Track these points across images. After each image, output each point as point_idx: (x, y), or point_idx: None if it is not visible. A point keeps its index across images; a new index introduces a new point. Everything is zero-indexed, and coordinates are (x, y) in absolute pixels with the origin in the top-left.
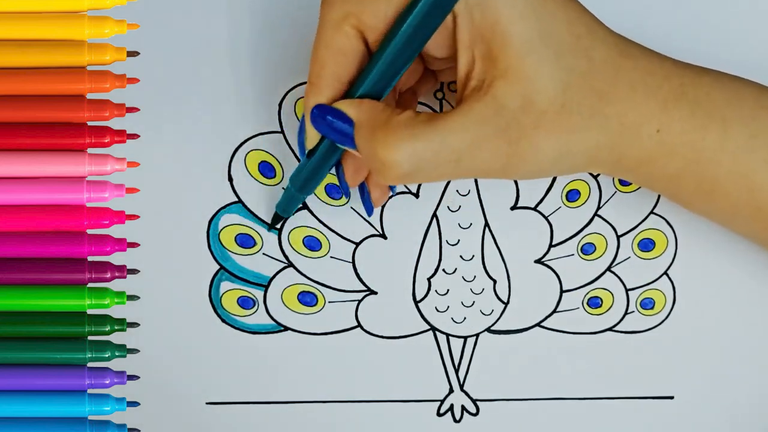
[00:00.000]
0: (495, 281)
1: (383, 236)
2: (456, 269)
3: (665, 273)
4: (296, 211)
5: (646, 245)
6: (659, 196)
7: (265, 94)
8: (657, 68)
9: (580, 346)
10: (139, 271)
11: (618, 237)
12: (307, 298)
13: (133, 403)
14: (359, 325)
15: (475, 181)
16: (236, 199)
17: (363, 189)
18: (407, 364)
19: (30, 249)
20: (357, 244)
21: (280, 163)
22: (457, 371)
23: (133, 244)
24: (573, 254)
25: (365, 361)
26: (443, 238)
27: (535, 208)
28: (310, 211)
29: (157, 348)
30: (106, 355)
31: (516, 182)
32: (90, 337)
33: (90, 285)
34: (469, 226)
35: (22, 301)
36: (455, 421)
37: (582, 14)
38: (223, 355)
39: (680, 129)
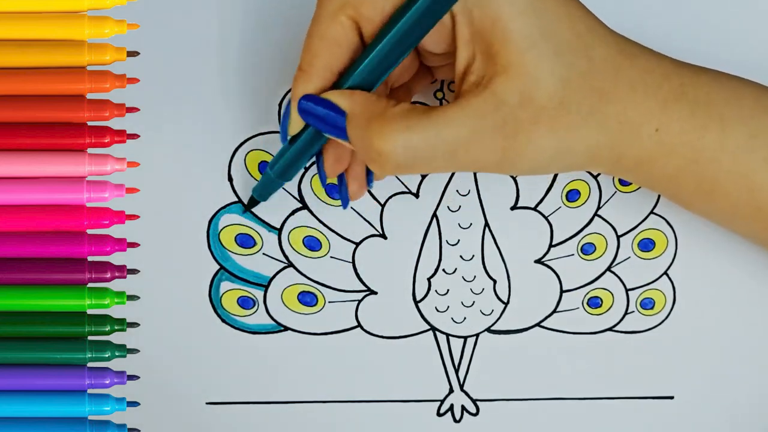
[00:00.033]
0: (495, 281)
1: (383, 236)
2: (456, 269)
3: (665, 273)
4: (296, 211)
5: (646, 245)
6: (659, 196)
7: (265, 94)
8: (656, 68)
9: (580, 346)
10: (139, 271)
11: (618, 237)
12: (307, 298)
13: (133, 403)
14: (359, 325)
15: (475, 181)
16: (236, 199)
17: (341, 181)
18: (407, 364)
19: (30, 249)
20: (357, 244)
21: None
22: (457, 371)
23: (133, 244)
24: (573, 254)
25: (365, 361)
26: (443, 238)
27: (535, 208)
28: (310, 211)
29: (157, 348)
30: (106, 355)
31: (516, 182)
32: (90, 337)
33: (90, 285)
34: (469, 226)
35: (22, 301)
36: (455, 421)
37: (582, 13)
38: (223, 355)
39: (679, 128)
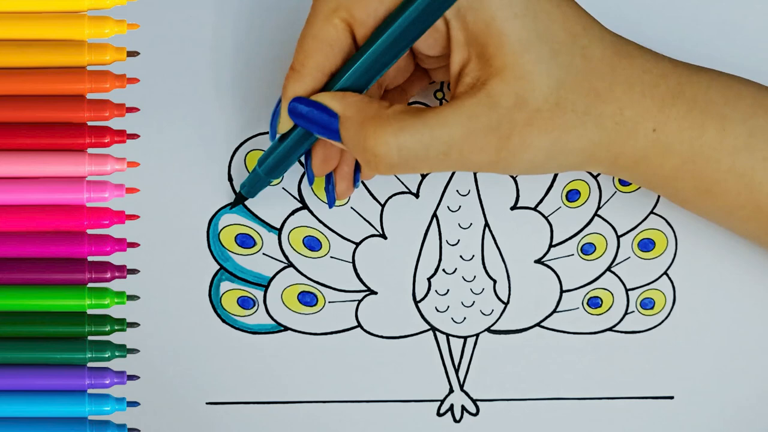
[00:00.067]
0: (495, 281)
1: (383, 236)
2: (456, 269)
3: (665, 273)
4: (296, 211)
5: (646, 245)
6: (659, 196)
7: (265, 94)
8: (654, 67)
9: (580, 346)
10: (139, 271)
11: (618, 237)
12: (307, 298)
13: (133, 403)
14: (359, 325)
15: (475, 181)
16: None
17: (329, 180)
18: (407, 364)
19: (30, 249)
20: (357, 244)
21: None
22: (457, 371)
23: (133, 244)
24: (573, 254)
25: (365, 361)
26: (443, 238)
27: (535, 208)
28: (310, 211)
29: (157, 348)
30: (106, 355)
31: (516, 182)
32: (90, 337)
33: (90, 285)
34: (469, 226)
35: (22, 301)
36: (455, 421)
37: (578, 13)
38: (223, 355)
39: (677, 128)
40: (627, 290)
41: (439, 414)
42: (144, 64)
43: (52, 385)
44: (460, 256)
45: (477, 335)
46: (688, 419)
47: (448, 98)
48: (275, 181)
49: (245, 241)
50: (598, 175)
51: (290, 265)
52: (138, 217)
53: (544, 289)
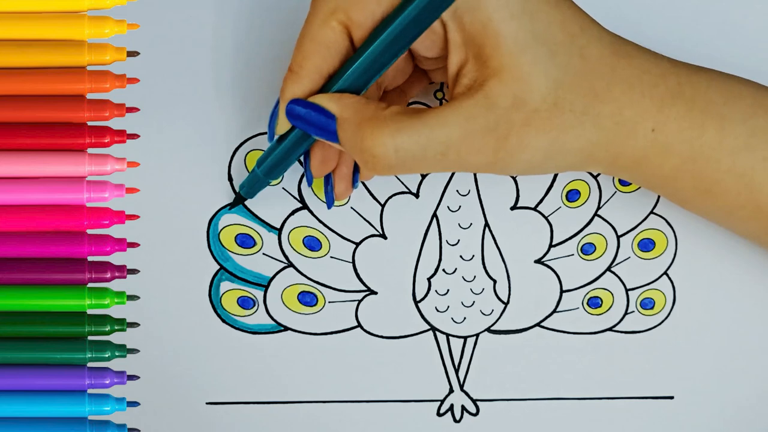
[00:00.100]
0: (495, 281)
1: (383, 236)
2: (456, 269)
3: (665, 273)
4: (296, 211)
5: (646, 245)
6: (659, 197)
7: (265, 94)
8: (653, 67)
9: (580, 346)
10: (139, 271)
11: (618, 237)
12: (307, 298)
13: (133, 403)
14: (359, 325)
15: (475, 181)
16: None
17: (328, 181)
18: (407, 364)
19: (30, 249)
20: (357, 244)
21: None
22: (457, 371)
23: (133, 244)
24: (573, 254)
25: (365, 361)
26: (443, 238)
27: (535, 208)
28: (310, 211)
29: (157, 348)
30: (106, 355)
31: (516, 182)
32: (90, 337)
33: (90, 285)
34: (469, 226)
35: (22, 301)
36: (455, 421)
37: (576, 13)
38: (223, 355)
39: (676, 127)
40: (627, 290)
41: (439, 414)
42: (144, 64)
43: (52, 385)
44: (460, 256)
45: (477, 335)
46: (688, 419)
47: (448, 99)
48: (274, 182)
49: (245, 241)
50: (598, 175)
51: (290, 265)
52: (138, 217)
53: (544, 289)
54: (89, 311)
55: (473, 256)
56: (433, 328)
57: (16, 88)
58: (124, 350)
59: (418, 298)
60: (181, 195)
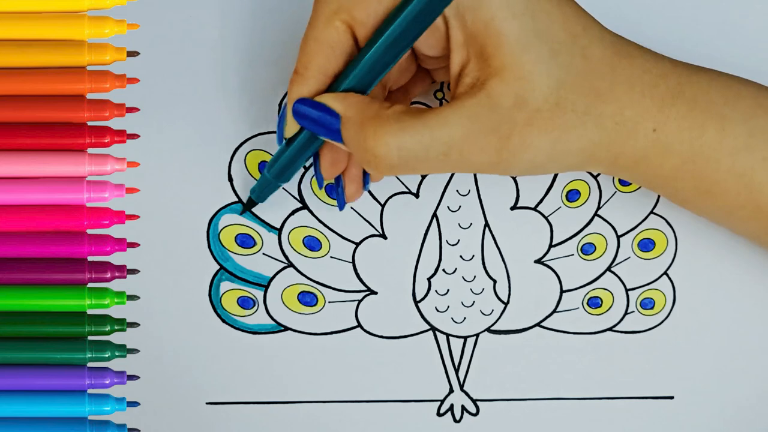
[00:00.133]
0: (495, 281)
1: (383, 236)
2: (456, 269)
3: (665, 273)
4: (296, 211)
5: (646, 245)
6: (659, 196)
7: (265, 95)
8: (653, 67)
9: (580, 346)
10: (139, 271)
11: (618, 237)
12: (307, 298)
13: (133, 403)
14: (359, 325)
15: (475, 181)
16: (236, 199)
17: (338, 183)
18: (407, 364)
19: (30, 249)
20: (357, 244)
21: None
22: (457, 371)
23: (133, 244)
24: (573, 254)
25: (365, 361)
26: (443, 238)
27: (535, 208)
28: (310, 211)
29: (157, 348)
30: (106, 355)
31: (516, 182)
32: (90, 337)
33: (90, 285)
34: (469, 226)
35: (22, 301)
36: (455, 421)
37: (578, 13)
38: (223, 355)
39: (677, 128)
40: (627, 290)
41: (439, 414)
42: (144, 64)
43: (52, 385)
44: (460, 256)
45: (477, 335)
46: (688, 419)
47: (448, 98)
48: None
49: (245, 241)
50: (598, 175)
51: (290, 265)
52: (138, 217)
53: (544, 289)
54: (89, 311)
55: (473, 256)
56: (433, 328)
57: (16, 88)
58: (124, 350)
59: (418, 298)
60: (181, 195)
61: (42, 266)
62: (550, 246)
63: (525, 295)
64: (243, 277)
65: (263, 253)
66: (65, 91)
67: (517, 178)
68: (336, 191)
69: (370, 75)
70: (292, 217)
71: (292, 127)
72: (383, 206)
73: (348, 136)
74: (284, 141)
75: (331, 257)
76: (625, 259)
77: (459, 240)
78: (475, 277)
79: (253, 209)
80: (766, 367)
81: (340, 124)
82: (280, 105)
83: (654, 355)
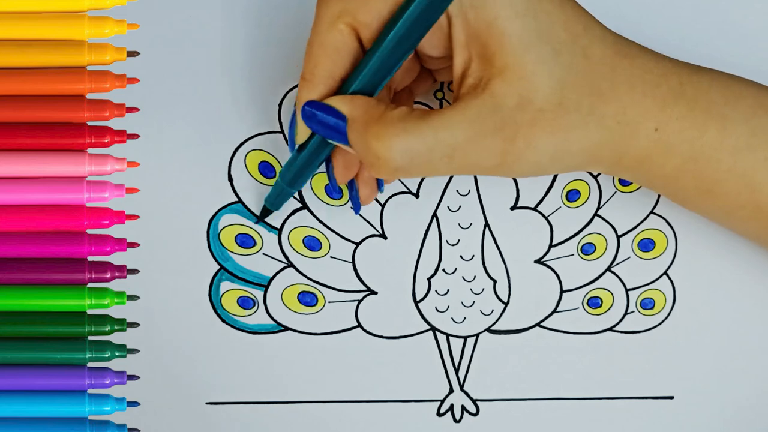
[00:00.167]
0: (495, 281)
1: (383, 236)
2: (456, 269)
3: (665, 273)
4: (296, 211)
5: (646, 245)
6: (659, 196)
7: (265, 94)
8: (655, 67)
9: (580, 346)
10: (139, 271)
11: (618, 237)
12: (307, 298)
13: (133, 403)
14: (359, 325)
15: (475, 181)
16: (236, 199)
17: (352, 186)
18: (407, 364)
19: (30, 249)
20: (357, 244)
21: (280, 163)
22: (457, 371)
23: (133, 244)
24: (573, 254)
25: (365, 361)
26: (443, 238)
27: (535, 208)
28: (310, 211)
29: (157, 348)
30: (106, 355)
31: (516, 182)
32: (90, 337)
33: (90, 285)
34: (469, 226)
35: (22, 301)
36: (455, 421)
37: (579, 13)
38: (223, 355)
39: (679, 127)
40: (627, 290)
41: (439, 414)
42: (144, 64)
43: (52, 385)
44: (460, 256)
45: (477, 335)
46: (688, 419)
47: (448, 98)
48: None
49: (245, 241)
50: (598, 175)
51: (290, 265)
52: (138, 217)
53: (544, 289)
54: (89, 311)
55: (473, 256)
56: (433, 328)
57: (16, 88)
58: (124, 350)
59: (418, 298)
60: (181, 195)
61: (42, 266)
62: (550, 246)
63: (525, 295)
64: (243, 277)
65: (263, 253)
66: (65, 91)
67: (517, 178)
68: (350, 195)
69: (377, 76)
70: (292, 217)
71: (303, 134)
72: (383, 206)
73: (353, 138)
74: (296, 148)
75: (331, 257)
76: (625, 259)
77: (459, 240)
78: (475, 277)
79: (253, 209)
80: (766, 367)
81: (346, 126)
82: (280, 105)
83: (654, 355)
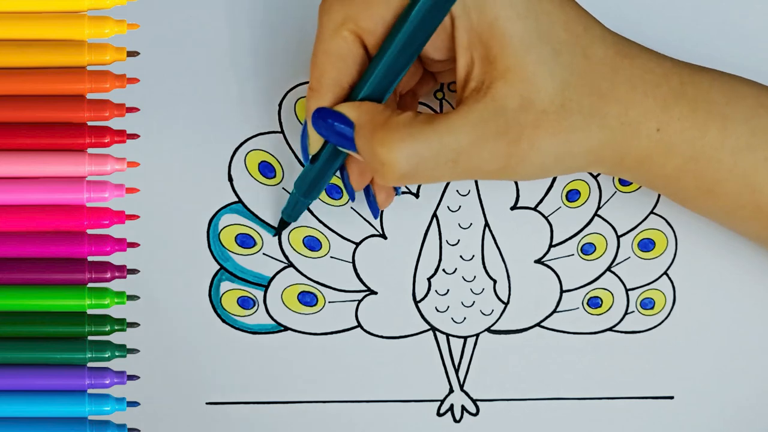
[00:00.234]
0: (495, 281)
1: (383, 236)
2: (456, 269)
3: (665, 273)
4: None
5: (646, 245)
6: (659, 196)
7: (265, 94)
8: (656, 67)
9: (580, 346)
10: (139, 271)
11: (618, 237)
12: (307, 298)
13: (133, 403)
14: (359, 325)
15: (475, 180)
16: (236, 199)
17: (368, 192)
18: (407, 364)
19: (30, 249)
20: (357, 244)
21: (280, 163)
22: (457, 371)
23: (133, 244)
24: (573, 254)
25: (365, 361)
26: (443, 238)
27: (535, 208)
28: (310, 211)
29: (157, 348)
30: (106, 355)
31: (516, 182)
32: (90, 337)
33: (90, 285)
34: (469, 226)
35: (22, 301)
36: (455, 421)
37: (579, 13)
38: (223, 355)
39: (680, 127)
40: (627, 290)
41: (439, 414)
42: (144, 64)
43: (52, 385)
44: (460, 256)
45: (477, 335)
46: (688, 419)
47: (448, 98)
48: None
49: (245, 241)
50: (598, 175)
51: (290, 265)
52: (138, 217)
53: (544, 289)
54: (89, 311)
55: (473, 256)
56: (433, 328)
57: (16, 88)
58: (124, 350)
59: (418, 298)
60: (181, 195)
61: (42, 266)
62: (550, 246)
63: (525, 295)
64: (243, 277)
65: (263, 253)
66: (65, 91)
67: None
68: (367, 201)
69: (385, 82)
70: None
71: (315, 143)
72: None
73: (360, 144)
74: (309, 159)
75: (331, 257)
76: (625, 259)
77: (459, 240)
78: (475, 277)
79: (253, 209)
80: (766, 367)
81: (354, 133)
82: (280, 105)
83: (654, 355)
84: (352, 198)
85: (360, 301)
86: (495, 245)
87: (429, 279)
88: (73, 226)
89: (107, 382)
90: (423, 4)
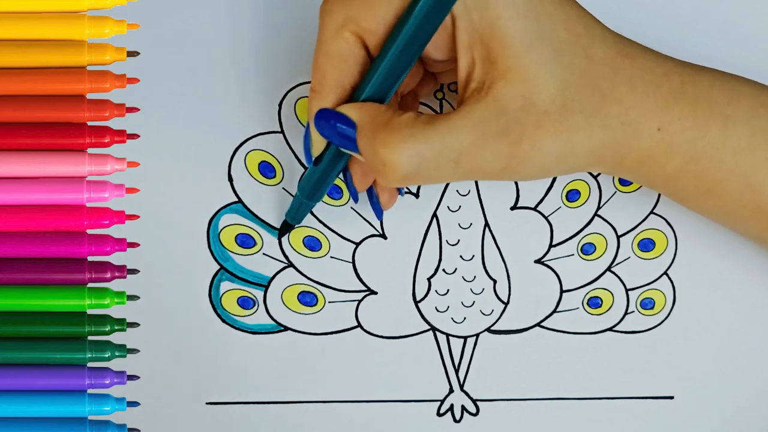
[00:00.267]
0: (495, 281)
1: (383, 236)
2: (456, 269)
3: (665, 273)
4: None
5: (646, 245)
6: (659, 196)
7: (265, 94)
8: (656, 66)
9: (580, 346)
10: (139, 271)
11: (618, 237)
12: (307, 298)
13: (133, 403)
14: (359, 325)
15: (475, 180)
16: (236, 199)
17: (371, 193)
18: (407, 364)
19: (30, 249)
20: (357, 244)
21: (280, 163)
22: (457, 371)
23: (133, 244)
24: (573, 254)
25: (365, 361)
26: (443, 238)
27: (535, 208)
28: (311, 212)
29: (157, 348)
30: (106, 355)
31: (516, 182)
32: (90, 337)
33: (90, 285)
34: (469, 226)
35: (22, 301)
36: (455, 421)
37: (580, 13)
38: (223, 355)
39: (681, 127)
40: (627, 290)
41: (439, 414)
42: (144, 64)
43: (52, 385)
44: (460, 256)
45: (477, 335)
46: (688, 419)
47: (448, 98)
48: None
49: (245, 241)
50: (598, 175)
51: (290, 265)
52: (138, 217)
53: (544, 289)
54: (89, 311)
55: (473, 256)
56: (433, 328)
57: (16, 88)
58: (124, 350)
59: (418, 298)
60: (181, 195)
61: (42, 266)
62: (550, 246)
63: (525, 295)
64: (243, 277)
65: (263, 253)
66: (65, 91)
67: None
68: (371, 202)
69: (387, 83)
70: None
71: (318, 145)
72: None
73: (362, 145)
74: (312, 161)
75: (331, 257)
76: (625, 259)
77: (459, 240)
78: (475, 277)
79: (253, 209)
80: (766, 367)
81: (356, 134)
82: (280, 105)
83: (654, 355)
84: (355, 200)
85: (360, 301)
86: (495, 245)
87: (429, 279)
88: (73, 226)
89: (107, 382)
90: (424, 4)
